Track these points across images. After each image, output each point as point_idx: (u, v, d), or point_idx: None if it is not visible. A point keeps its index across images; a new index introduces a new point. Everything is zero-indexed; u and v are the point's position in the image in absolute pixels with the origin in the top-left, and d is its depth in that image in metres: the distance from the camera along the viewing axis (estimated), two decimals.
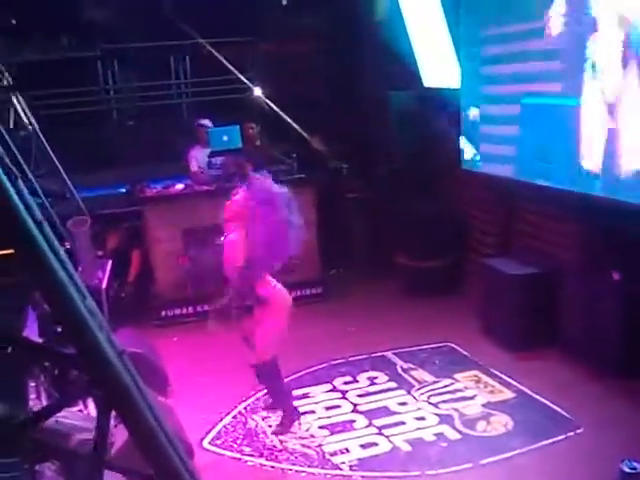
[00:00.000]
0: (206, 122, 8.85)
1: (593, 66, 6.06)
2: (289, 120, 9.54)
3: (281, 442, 5.63)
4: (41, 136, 7.30)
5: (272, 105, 9.79)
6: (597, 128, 6.07)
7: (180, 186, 8.45)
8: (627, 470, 4.22)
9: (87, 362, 1.41)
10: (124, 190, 9.36)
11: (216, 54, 9.79)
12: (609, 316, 6.24)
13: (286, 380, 6.26)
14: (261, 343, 5.55)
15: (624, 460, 4.26)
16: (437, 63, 8.69)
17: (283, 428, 5.77)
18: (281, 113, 9.56)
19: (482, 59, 7.71)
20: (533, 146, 7.02)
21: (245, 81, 10.04)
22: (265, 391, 6.18)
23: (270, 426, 5.87)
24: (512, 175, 7.39)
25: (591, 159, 6.19)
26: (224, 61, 9.84)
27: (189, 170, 8.76)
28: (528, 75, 6.95)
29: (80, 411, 3.35)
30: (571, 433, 5.47)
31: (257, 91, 10.03)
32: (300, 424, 5.84)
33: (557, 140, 6.62)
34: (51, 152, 8.02)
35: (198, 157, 8.79)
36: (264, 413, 6.09)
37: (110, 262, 8.05)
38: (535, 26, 6.72)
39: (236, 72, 9.94)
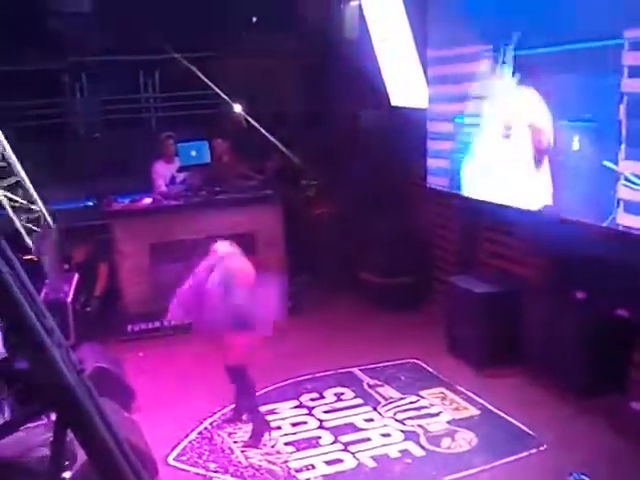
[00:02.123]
0: (172, 134, 8.85)
1: None
2: (267, 135, 9.54)
3: (247, 458, 5.60)
4: (8, 148, 7.25)
5: (250, 119, 9.81)
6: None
7: (148, 200, 8.42)
8: None
9: (41, 380, 1.41)
10: (91, 203, 9.31)
11: (192, 68, 9.77)
12: (572, 335, 6.30)
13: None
14: (239, 345, 5.58)
15: (572, 473, 4.31)
16: (405, 83, 8.77)
17: (254, 441, 5.77)
18: (260, 128, 9.57)
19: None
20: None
21: (223, 96, 10.03)
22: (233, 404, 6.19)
23: (236, 442, 5.85)
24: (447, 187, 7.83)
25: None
26: (200, 75, 9.83)
27: (154, 186, 8.74)
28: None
29: (45, 425, 3.32)
30: (534, 450, 5.51)
31: (237, 107, 10.05)
32: (270, 436, 5.83)
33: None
34: (18, 164, 7.97)
35: (164, 173, 8.77)
36: (230, 429, 6.06)
37: (77, 276, 8.02)
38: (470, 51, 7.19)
39: (212, 86, 9.93)
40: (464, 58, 7.35)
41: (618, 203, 5.55)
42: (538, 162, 6.40)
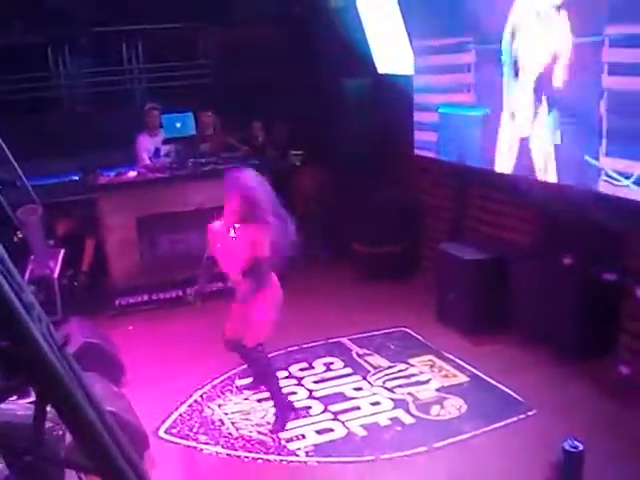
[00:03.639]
0: (157, 105, 8.78)
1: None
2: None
3: (237, 430, 5.62)
4: None
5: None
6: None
7: (133, 173, 8.35)
8: (568, 449, 4.30)
9: (20, 355, 1.39)
10: (76, 178, 9.23)
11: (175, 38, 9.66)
12: (562, 300, 6.33)
13: (240, 368, 6.28)
14: (259, 327, 5.46)
15: (566, 439, 4.34)
16: (391, 50, 8.72)
17: (279, 425, 5.60)
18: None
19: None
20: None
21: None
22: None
23: (226, 414, 5.86)
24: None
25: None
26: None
27: (138, 159, 8.67)
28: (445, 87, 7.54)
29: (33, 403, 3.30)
30: (523, 415, 5.55)
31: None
32: (297, 418, 5.71)
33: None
34: (1, 140, 7.88)
35: (148, 146, 8.71)
36: (220, 401, 6.07)
37: (62, 251, 7.97)
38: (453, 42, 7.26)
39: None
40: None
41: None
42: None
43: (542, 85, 6.20)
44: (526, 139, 6.48)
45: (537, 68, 6.26)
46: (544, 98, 6.20)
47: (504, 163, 6.84)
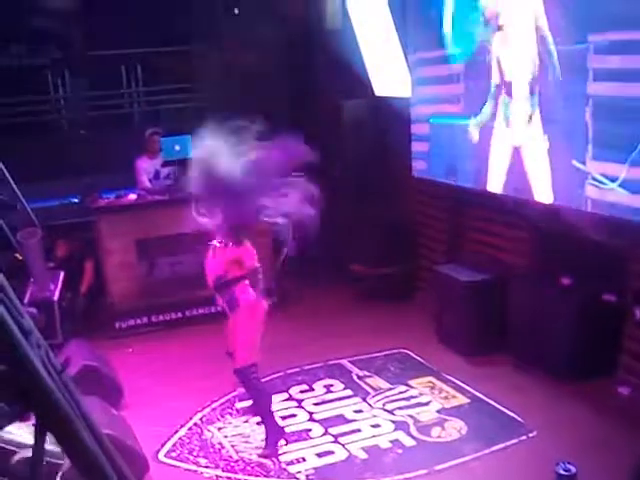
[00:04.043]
0: (159, 130, 8.81)
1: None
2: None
3: (237, 452, 5.60)
4: None
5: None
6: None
7: (133, 196, 8.37)
8: (562, 472, 4.29)
9: (19, 382, 1.39)
10: (76, 200, 9.26)
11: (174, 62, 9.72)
12: (561, 320, 6.33)
13: (240, 390, 6.25)
14: (242, 347, 5.38)
15: (559, 463, 4.33)
16: (388, 72, 8.77)
17: (270, 451, 5.53)
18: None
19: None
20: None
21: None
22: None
23: (226, 437, 5.84)
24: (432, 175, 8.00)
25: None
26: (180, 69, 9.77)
27: (138, 182, 8.70)
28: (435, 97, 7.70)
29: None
30: (524, 437, 5.53)
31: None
32: (286, 444, 5.63)
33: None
34: (0, 162, 7.90)
35: (147, 169, 8.73)
36: (220, 424, 6.05)
37: (62, 274, 7.97)
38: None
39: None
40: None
41: (586, 202, 5.73)
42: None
43: (531, 91, 6.29)
44: (519, 148, 6.53)
45: (524, 76, 6.35)
46: (532, 105, 6.29)
47: (496, 176, 6.89)
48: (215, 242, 5.47)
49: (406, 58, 8.18)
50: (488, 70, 6.79)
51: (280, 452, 5.55)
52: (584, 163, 5.69)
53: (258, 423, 5.85)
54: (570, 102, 5.80)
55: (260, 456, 5.52)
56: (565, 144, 5.94)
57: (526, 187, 6.46)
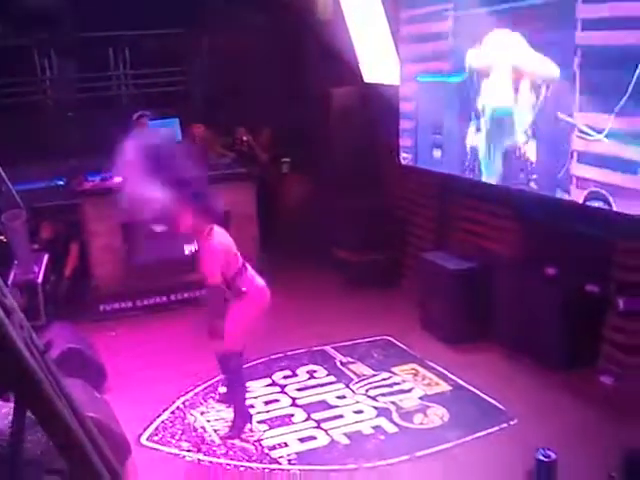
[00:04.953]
0: (147, 113, 8.75)
1: None
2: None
3: (219, 437, 5.61)
4: None
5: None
6: None
7: (118, 179, 8.30)
8: (541, 458, 4.33)
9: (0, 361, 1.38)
10: (61, 182, 9.21)
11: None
12: (545, 310, 6.37)
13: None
14: (233, 333, 5.41)
15: (539, 449, 4.37)
16: (377, 59, 8.76)
17: (233, 432, 5.60)
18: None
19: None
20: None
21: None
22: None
23: (208, 421, 5.84)
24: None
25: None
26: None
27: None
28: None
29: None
30: (505, 425, 5.57)
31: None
32: (250, 429, 5.68)
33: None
34: None
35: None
36: (203, 408, 6.06)
37: (46, 256, 7.94)
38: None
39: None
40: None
41: (572, 154, 5.75)
42: None
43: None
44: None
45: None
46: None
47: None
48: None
49: (396, 45, 8.16)
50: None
51: (247, 434, 5.59)
52: (571, 115, 5.71)
53: (228, 406, 5.90)
54: (558, 52, 5.81)
55: (222, 437, 5.58)
56: (552, 97, 5.95)
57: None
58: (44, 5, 9.71)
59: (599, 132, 5.45)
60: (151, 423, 5.83)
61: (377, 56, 8.73)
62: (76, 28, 9.81)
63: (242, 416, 5.68)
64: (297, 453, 5.35)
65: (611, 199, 5.42)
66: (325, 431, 5.63)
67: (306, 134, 9.75)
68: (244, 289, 5.40)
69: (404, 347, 7.09)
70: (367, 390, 6.26)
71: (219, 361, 5.72)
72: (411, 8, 7.88)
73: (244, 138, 9.61)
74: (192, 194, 5.34)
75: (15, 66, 10.00)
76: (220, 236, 5.47)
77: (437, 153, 7.62)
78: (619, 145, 5.29)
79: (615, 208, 5.40)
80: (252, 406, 5.97)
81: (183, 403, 6.16)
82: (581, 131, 5.63)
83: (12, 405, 3.05)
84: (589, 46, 5.48)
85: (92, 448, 1.53)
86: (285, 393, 6.29)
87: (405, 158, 8.18)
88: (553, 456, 4.34)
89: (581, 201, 5.71)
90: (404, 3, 8.02)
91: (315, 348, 7.13)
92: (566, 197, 5.88)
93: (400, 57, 8.09)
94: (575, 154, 5.73)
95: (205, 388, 6.39)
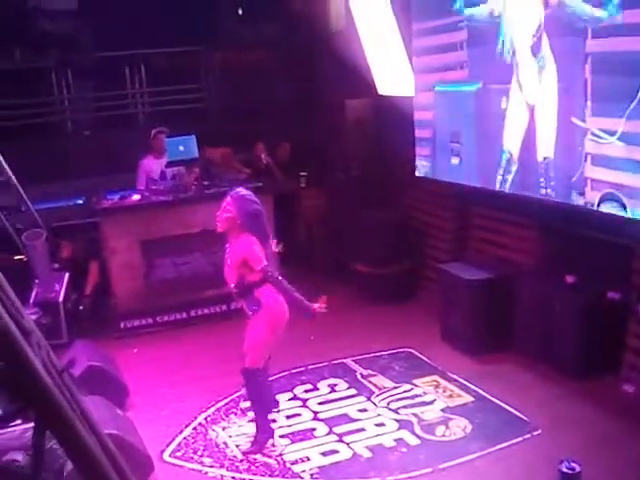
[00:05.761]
0: (164, 129, 8.82)
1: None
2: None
3: (242, 452, 5.61)
4: None
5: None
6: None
7: (137, 197, 8.38)
8: (565, 471, 4.28)
9: (19, 381, 1.40)
10: (81, 201, 9.29)
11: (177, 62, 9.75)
12: (566, 318, 6.32)
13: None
14: (252, 349, 5.43)
15: (563, 461, 4.33)
16: (391, 72, 8.78)
17: (255, 447, 5.60)
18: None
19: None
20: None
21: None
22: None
23: (230, 436, 5.85)
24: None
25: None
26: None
27: (138, 182, 8.70)
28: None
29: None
30: (528, 435, 5.53)
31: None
32: (273, 443, 5.66)
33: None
34: (6, 164, 7.95)
35: (152, 167, 8.74)
36: (224, 423, 6.06)
37: (67, 274, 8.01)
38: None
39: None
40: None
41: (586, 157, 5.83)
42: None
43: (536, 51, 6.37)
44: (533, 108, 6.52)
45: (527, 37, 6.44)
46: (540, 66, 6.36)
47: (512, 137, 6.87)
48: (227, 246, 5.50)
49: (409, 57, 8.18)
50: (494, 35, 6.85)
51: (269, 449, 5.58)
52: (584, 120, 5.81)
53: (250, 420, 5.89)
54: (571, 60, 5.91)
55: (244, 452, 5.58)
56: (566, 102, 6.06)
57: (532, 145, 6.53)
58: (61, 27, 9.83)
59: (611, 135, 5.53)
60: (173, 439, 5.84)
61: (391, 68, 8.74)
62: (92, 48, 9.93)
63: (264, 431, 5.67)
64: (319, 467, 5.34)
65: (625, 200, 5.48)
66: (347, 444, 5.61)
67: (321, 147, 9.78)
68: (261, 300, 5.39)
69: (425, 359, 7.06)
70: (388, 403, 6.24)
71: (243, 377, 5.70)
72: (423, 21, 7.94)
73: (262, 157, 9.63)
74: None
75: (34, 87, 10.14)
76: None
77: (455, 160, 7.61)
78: (631, 147, 5.37)
79: (629, 208, 5.44)
80: (274, 420, 5.96)
81: (205, 419, 6.17)
82: (594, 134, 5.70)
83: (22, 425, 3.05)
84: (599, 53, 5.60)
85: (111, 467, 1.54)
86: (307, 407, 6.28)
87: (423, 166, 8.17)
88: (577, 468, 4.29)
89: (596, 203, 5.74)
90: (416, 17, 8.04)
91: (336, 361, 7.12)
92: (581, 200, 5.89)
93: (414, 68, 8.10)
94: (589, 157, 5.80)
95: (227, 403, 6.39)
